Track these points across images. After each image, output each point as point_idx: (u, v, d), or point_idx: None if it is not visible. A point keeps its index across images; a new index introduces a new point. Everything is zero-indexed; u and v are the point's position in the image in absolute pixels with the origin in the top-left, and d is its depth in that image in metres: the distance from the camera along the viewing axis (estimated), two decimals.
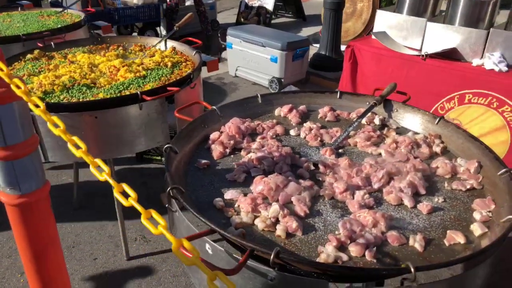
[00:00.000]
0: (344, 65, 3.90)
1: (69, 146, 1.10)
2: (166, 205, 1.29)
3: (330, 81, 5.71)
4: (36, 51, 2.56)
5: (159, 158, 3.53)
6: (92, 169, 1.05)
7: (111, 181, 1.00)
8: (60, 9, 3.84)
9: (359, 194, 1.33)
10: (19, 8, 3.88)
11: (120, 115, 1.97)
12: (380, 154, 1.60)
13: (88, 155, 1.07)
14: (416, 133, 1.74)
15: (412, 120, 1.80)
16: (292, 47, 5.09)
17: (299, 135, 1.77)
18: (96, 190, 3.13)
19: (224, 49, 6.58)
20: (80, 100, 1.98)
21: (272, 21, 8.24)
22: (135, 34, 7.38)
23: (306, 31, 7.92)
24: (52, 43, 2.73)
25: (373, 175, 1.42)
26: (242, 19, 8.19)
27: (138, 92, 1.94)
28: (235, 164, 1.52)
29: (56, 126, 1.15)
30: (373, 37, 3.79)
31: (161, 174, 3.35)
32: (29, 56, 2.51)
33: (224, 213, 1.26)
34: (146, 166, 3.50)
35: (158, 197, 3.11)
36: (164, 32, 7.48)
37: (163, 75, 2.28)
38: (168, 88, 2.03)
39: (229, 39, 5.66)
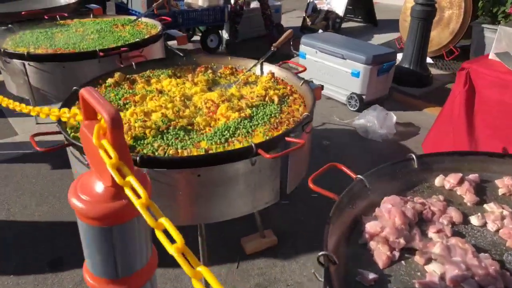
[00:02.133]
0: (454, 91, 3.31)
1: (157, 234, 0.65)
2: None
3: (414, 98, 5.10)
4: (116, 75, 2.20)
5: None
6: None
7: None
8: (134, 17, 3.51)
9: None
10: (91, 14, 3.59)
11: (227, 173, 1.54)
12: None
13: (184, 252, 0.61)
14: None
15: None
16: (377, 61, 4.52)
17: (485, 224, 1.26)
18: None
19: (292, 57, 6.12)
20: (179, 150, 1.57)
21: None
22: (197, 37, 7.07)
23: (379, 39, 7.29)
24: (133, 63, 2.36)
25: None
26: (308, 24, 7.67)
27: (253, 145, 1.50)
28: (418, 284, 1.04)
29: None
30: (490, 57, 3.18)
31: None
32: (110, 81, 2.15)
33: None
34: None
35: (238, 241, 2.69)
36: (225, 36, 7.11)
37: (272, 114, 1.84)
38: (288, 140, 1.58)
39: (302, 48, 5.17)
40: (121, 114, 1.81)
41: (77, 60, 2.59)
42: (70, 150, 1.64)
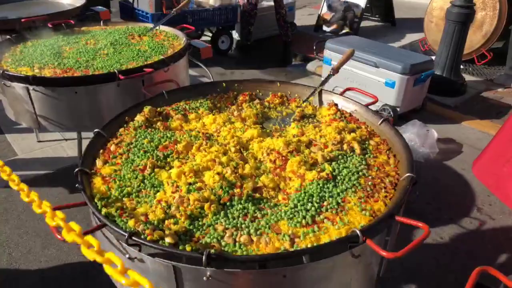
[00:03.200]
0: None
1: None
2: None
3: (450, 109, 4.69)
4: (146, 109, 1.76)
5: None
6: None
7: None
8: (150, 25, 3.05)
9: None
10: (101, 22, 3.12)
11: (321, 270, 1.12)
12: None
13: None
14: None
15: None
16: (415, 70, 4.09)
17: None
18: None
19: (310, 60, 5.73)
20: (253, 236, 1.14)
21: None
22: (207, 38, 6.59)
23: (401, 40, 6.87)
24: (164, 92, 1.92)
25: None
26: (323, 23, 7.23)
27: (358, 233, 1.08)
28: None
29: None
30: None
31: None
32: (139, 118, 1.71)
33: None
34: None
35: None
36: (236, 36, 6.65)
37: (360, 172, 1.41)
38: (401, 220, 1.16)
39: (327, 53, 4.73)
40: (164, 174, 1.38)
41: (92, 83, 2.15)
42: (102, 232, 1.21)
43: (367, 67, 4.34)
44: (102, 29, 3.03)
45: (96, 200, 1.27)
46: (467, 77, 5.39)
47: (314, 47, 5.12)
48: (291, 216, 1.21)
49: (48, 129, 2.32)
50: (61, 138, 3.82)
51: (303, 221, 1.19)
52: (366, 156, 1.52)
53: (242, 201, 1.26)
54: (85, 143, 3.11)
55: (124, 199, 1.28)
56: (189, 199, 1.23)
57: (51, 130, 2.34)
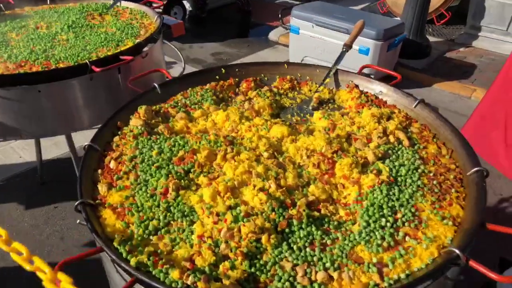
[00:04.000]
0: (507, 71, 2.84)
1: None
2: None
3: (419, 72, 4.66)
4: (142, 110, 1.44)
5: None
6: None
7: None
8: (111, 1, 2.60)
9: None
10: (48, 0, 2.61)
11: None
12: None
13: None
14: None
15: None
16: (388, 35, 3.97)
17: None
18: None
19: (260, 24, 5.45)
20: (331, 272, 0.92)
21: None
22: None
23: (358, 2, 6.73)
24: (155, 85, 1.60)
25: None
26: None
27: (459, 253, 0.91)
28: None
29: None
30: None
31: None
32: (135, 123, 1.39)
33: None
34: None
35: None
36: (187, 6, 6.16)
37: (420, 171, 1.22)
38: (492, 228, 0.99)
39: (294, 21, 4.47)
40: (194, 198, 1.10)
41: (60, 79, 1.76)
42: None
43: (338, 34, 4.14)
44: (51, 8, 2.55)
45: (116, 245, 0.97)
46: (430, 39, 5.38)
47: (280, 15, 4.82)
48: (367, 238, 1.00)
49: (4, 137, 1.91)
50: None
51: (384, 243, 0.98)
52: (416, 147, 1.33)
53: (303, 225, 1.02)
54: (43, 146, 2.65)
55: (151, 238, 1.00)
56: (240, 231, 0.97)
57: (8, 138, 1.93)
